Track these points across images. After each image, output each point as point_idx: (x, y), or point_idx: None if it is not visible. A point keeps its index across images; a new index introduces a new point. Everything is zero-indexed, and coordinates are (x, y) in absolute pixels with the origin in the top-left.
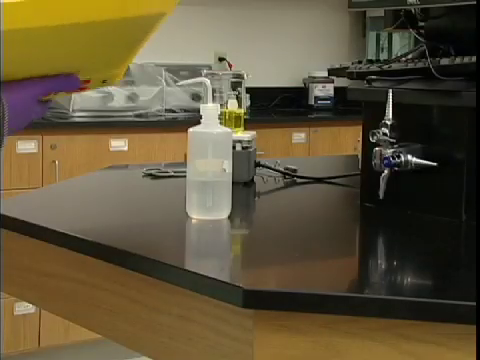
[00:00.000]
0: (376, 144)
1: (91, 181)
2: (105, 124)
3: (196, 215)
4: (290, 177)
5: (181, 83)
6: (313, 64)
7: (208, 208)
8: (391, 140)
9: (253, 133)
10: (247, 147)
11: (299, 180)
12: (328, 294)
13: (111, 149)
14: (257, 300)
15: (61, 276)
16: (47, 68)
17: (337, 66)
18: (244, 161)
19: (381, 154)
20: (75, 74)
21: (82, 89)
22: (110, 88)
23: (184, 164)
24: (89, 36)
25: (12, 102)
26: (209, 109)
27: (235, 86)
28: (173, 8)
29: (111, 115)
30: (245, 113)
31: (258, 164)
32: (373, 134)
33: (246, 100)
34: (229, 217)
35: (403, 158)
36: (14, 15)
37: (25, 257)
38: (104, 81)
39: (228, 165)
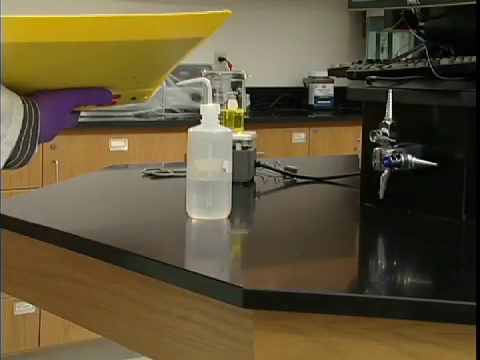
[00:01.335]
0: (376, 144)
1: (91, 181)
2: (105, 124)
3: (196, 215)
4: (290, 177)
5: (181, 83)
6: (313, 64)
7: (208, 208)
8: (391, 140)
9: (253, 133)
10: (247, 147)
11: (299, 180)
12: (328, 294)
13: (111, 149)
14: (257, 300)
15: (61, 276)
16: (81, 82)
17: (337, 66)
18: (244, 161)
19: (381, 154)
20: (107, 88)
21: (112, 103)
22: None
23: (184, 164)
24: (121, 54)
25: (45, 110)
26: (209, 109)
27: (235, 86)
28: (212, 33)
29: (111, 115)
30: (245, 113)
31: (258, 164)
32: (373, 134)
33: (246, 100)
34: (229, 217)
35: (403, 158)
36: (43, 28)
37: (25, 257)
38: (133, 98)
39: (228, 165)
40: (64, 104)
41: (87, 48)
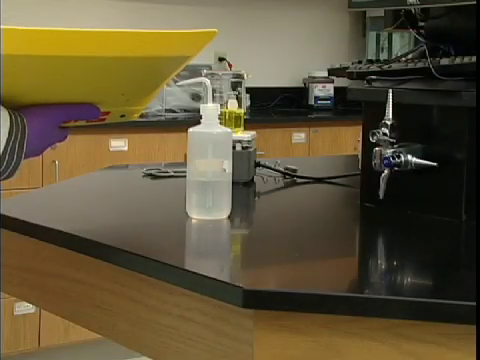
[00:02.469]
0: (376, 144)
1: (91, 181)
2: (105, 124)
3: (196, 215)
4: (290, 177)
5: (181, 83)
6: (313, 64)
7: (208, 208)
8: (391, 140)
9: (253, 133)
10: (247, 147)
11: (299, 180)
12: (328, 294)
13: (111, 149)
14: (257, 300)
15: (61, 276)
16: (69, 96)
17: (337, 66)
18: (244, 161)
19: (381, 154)
20: (96, 105)
21: (101, 120)
22: None
23: (184, 164)
24: (111, 69)
25: (33, 125)
26: (209, 109)
27: (235, 86)
28: (199, 51)
29: None
30: (245, 113)
31: (258, 164)
32: (373, 134)
33: (246, 100)
34: (229, 217)
35: (403, 158)
36: (32, 42)
37: (25, 257)
38: (122, 115)
39: (228, 165)
40: (52, 119)
41: (77, 62)
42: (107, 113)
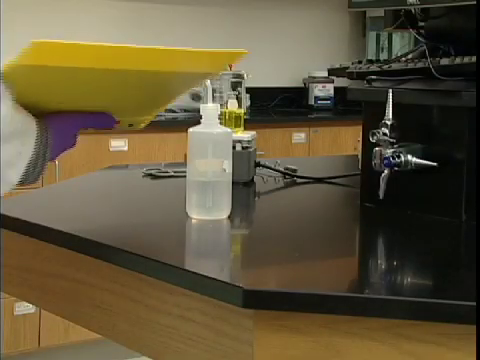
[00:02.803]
0: (376, 144)
1: (91, 181)
2: None
3: (196, 215)
4: (290, 177)
5: None
6: (313, 64)
7: (208, 208)
8: (391, 140)
9: (253, 133)
10: (247, 147)
11: (299, 180)
12: (328, 294)
13: (111, 149)
14: (257, 300)
15: (61, 276)
16: (87, 104)
17: (337, 66)
18: (244, 161)
19: (381, 154)
20: (111, 114)
21: (111, 128)
22: None
23: (184, 164)
24: (134, 82)
25: (54, 131)
26: (209, 109)
27: (235, 86)
28: (222, 69)
29: None
30: (245, 113)
31: (258, 164)
32: (373, 134)
33: (246, 100)
34: (229, 217)
35: (403, 158)
36: (59, 54)
37: (25, 257)
38: (130, 125)
39: (228, 165)
40: (71, 126)
41: (104, 74)
42: (117, 122)
